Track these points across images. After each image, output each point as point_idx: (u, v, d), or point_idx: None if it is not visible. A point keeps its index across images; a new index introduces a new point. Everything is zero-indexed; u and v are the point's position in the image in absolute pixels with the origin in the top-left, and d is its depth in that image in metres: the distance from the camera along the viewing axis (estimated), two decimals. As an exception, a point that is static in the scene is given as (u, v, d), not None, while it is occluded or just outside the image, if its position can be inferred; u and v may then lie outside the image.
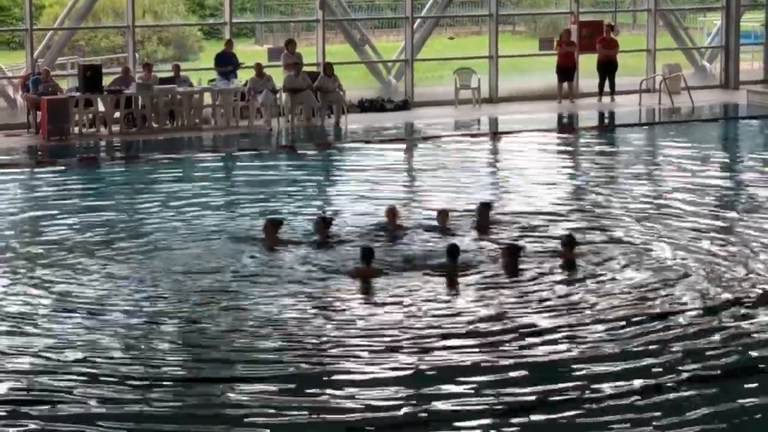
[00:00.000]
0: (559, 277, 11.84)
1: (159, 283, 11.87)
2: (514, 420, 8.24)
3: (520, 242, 12.88)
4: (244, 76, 25.35)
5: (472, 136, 23.37)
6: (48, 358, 9.65)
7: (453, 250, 12.11)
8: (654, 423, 8.06)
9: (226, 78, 24.99)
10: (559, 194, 16.81)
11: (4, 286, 11.80)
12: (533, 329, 10.22)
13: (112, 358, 9.69)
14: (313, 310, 10.88)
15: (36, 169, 19.93)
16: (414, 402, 8.53)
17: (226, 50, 25.80)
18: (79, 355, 9.73)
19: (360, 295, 11.43)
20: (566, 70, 28.10)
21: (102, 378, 9.16)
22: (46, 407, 8.54)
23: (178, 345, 10.05)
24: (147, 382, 9.06)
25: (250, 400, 8.62)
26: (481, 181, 18.30)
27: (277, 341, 10.02)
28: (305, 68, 25.56)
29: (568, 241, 12.49)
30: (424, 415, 8.33)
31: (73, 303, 11.22)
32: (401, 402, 8.53)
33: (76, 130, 23.39)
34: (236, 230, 14.19)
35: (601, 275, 11.85)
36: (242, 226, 14.49)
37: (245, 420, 8.28)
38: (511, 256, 12.16)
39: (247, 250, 13.00)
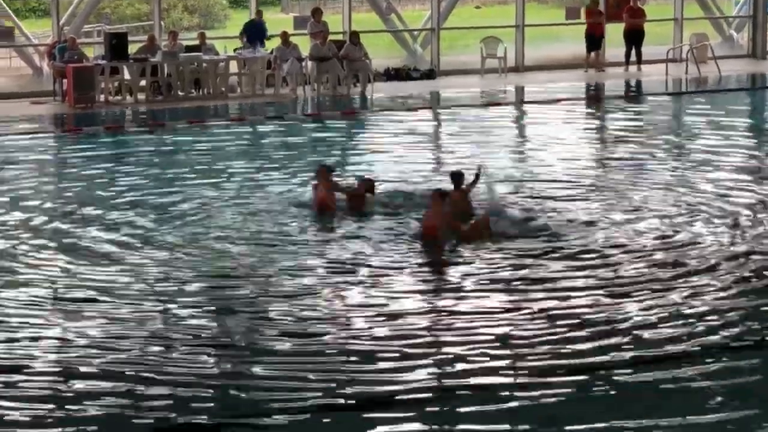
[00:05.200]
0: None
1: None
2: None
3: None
4: (270, 45, 25.36)
5: (497, 105, 23.34)
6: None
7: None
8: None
9: (253, 46, 25.00)
10: (577, 164, 16.58)
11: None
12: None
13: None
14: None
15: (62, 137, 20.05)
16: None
17: (256, 19, 25.83)
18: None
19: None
20: (595, 39, 27.99)
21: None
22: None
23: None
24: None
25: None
26: (495, 150, 18.16)
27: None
28: (331, 37, 25.55)
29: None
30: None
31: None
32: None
33: (102, 98, 23.48)
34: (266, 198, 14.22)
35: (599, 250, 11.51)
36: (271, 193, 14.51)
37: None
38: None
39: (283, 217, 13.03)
